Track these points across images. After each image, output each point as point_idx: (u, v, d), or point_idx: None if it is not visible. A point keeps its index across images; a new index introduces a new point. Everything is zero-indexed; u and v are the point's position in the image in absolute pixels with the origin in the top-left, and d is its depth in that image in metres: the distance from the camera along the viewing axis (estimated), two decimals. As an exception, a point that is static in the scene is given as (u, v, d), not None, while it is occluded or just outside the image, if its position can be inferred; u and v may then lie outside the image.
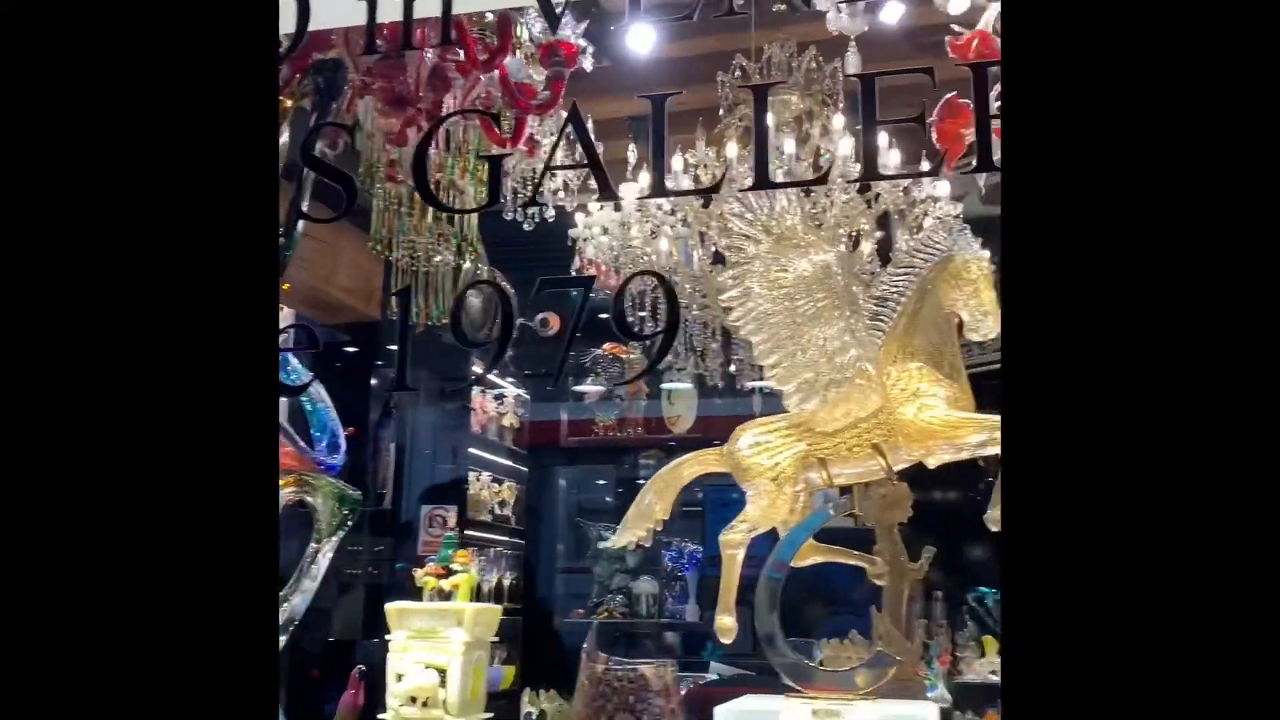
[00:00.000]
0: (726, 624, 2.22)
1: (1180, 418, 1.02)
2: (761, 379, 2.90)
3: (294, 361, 2.50)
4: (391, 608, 2.50)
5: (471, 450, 5.16)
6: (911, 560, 2.58)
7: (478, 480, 5.14)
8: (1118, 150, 1.07)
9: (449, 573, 2.56)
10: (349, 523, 2.66)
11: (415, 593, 2.58)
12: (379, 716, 2.42)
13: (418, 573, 2.61)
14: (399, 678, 2.43)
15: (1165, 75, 1.07)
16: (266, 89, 1.23)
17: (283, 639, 2.58)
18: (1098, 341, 1.05)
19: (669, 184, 2.48)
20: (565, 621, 5.33)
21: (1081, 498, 1.03)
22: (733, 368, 3.55)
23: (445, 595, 2.53)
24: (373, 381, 4.96)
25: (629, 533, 2.46)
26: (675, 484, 2.46)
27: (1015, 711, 1.01)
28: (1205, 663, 0.98)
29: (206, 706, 1.09)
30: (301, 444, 2.57)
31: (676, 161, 2.95)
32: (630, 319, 2.93)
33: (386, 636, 2.48)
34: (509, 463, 5.51)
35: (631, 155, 3.06)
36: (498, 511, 5.25)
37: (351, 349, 4.97)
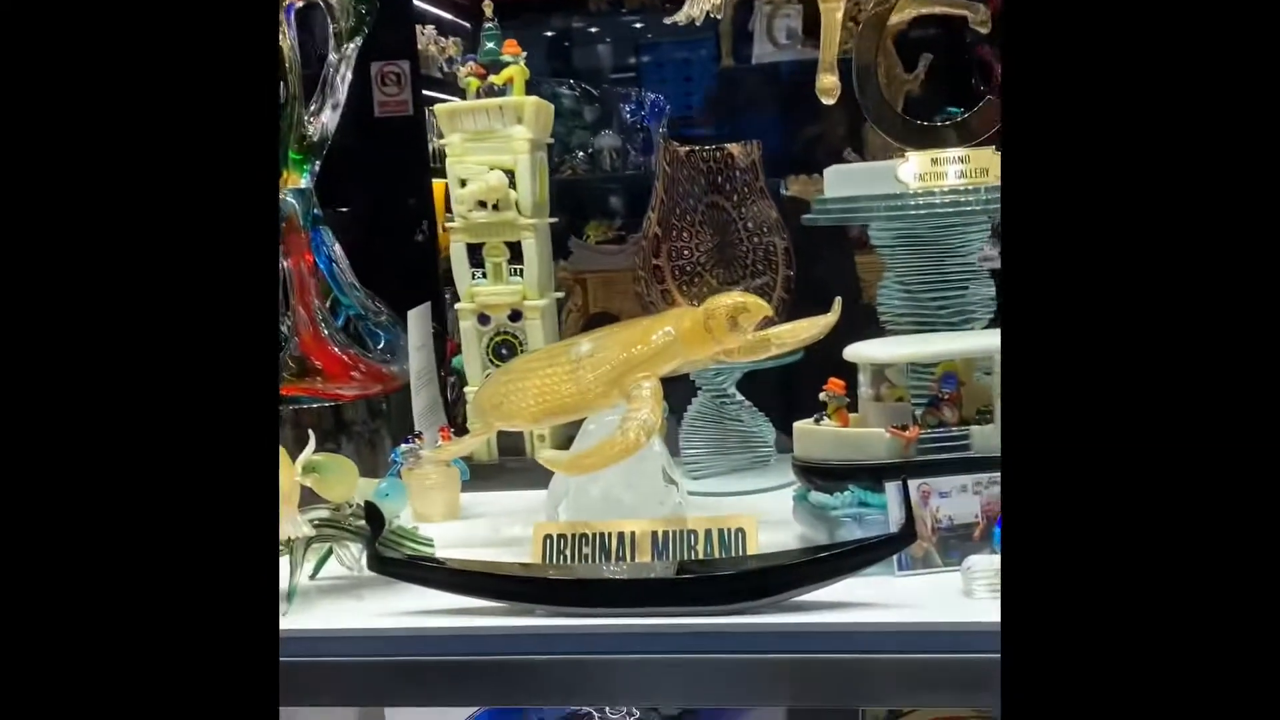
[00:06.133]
0: (829, 83, 2.04)
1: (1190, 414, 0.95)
2: None
3: None
4: (441, 109, 2.26)
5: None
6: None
7: (423, 34, 4.71)
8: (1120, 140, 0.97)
9: (496, 68, 2.30)
10: (367, 25, 2.35)
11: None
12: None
13: (460, 71, 2.34)
14: (462, 183, 2.24)
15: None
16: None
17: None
18: (1100, 327, 0.96)
19: None
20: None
21: (1083, 488, 0.96)
22: None
23: (495, 93, 2.28)
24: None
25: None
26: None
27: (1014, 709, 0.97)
28: (1207, 662, 0.93)
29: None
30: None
31: None
32: None
33: (440, 140, 2.27)
34: (453, 17, 5.06)
35: None
36: (446, 70, 4.86)
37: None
